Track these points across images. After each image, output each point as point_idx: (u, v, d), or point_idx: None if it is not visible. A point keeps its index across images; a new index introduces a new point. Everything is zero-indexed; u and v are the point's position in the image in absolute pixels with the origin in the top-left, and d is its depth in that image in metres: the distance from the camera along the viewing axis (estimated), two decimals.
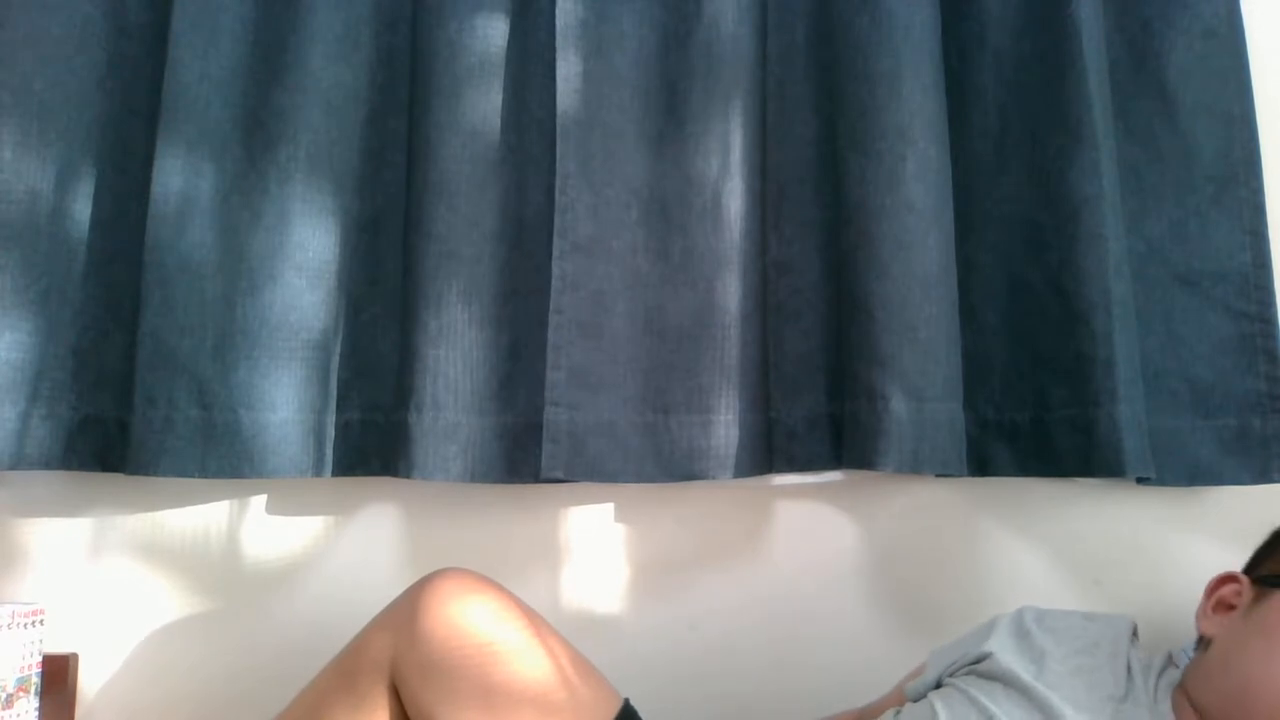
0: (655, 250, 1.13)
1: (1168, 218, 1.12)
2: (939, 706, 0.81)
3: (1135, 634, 0.87)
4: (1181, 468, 1.08)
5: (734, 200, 1.11)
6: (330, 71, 1.12)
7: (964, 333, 1.09)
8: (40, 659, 1.10)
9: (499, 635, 0.82)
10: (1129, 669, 0.82)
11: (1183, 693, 0.82)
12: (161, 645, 1.15)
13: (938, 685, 0.88)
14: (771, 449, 1.12)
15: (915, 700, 0.88)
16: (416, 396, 1.08)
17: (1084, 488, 1.14)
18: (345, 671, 0.88)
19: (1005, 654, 0.83)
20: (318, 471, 1.10)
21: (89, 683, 1.15)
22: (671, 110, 1.14)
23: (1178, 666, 0.87)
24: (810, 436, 1.12)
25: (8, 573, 1.16)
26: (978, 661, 0.85)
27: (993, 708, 0.79)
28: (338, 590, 1.16)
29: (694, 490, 1.16)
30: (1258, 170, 1.10)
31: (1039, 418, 1.07)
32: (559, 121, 1.12)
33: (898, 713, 0.88)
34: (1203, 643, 0.86)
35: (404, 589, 0.89)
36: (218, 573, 1.16)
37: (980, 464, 1.10)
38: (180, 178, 1.09)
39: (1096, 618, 0.87)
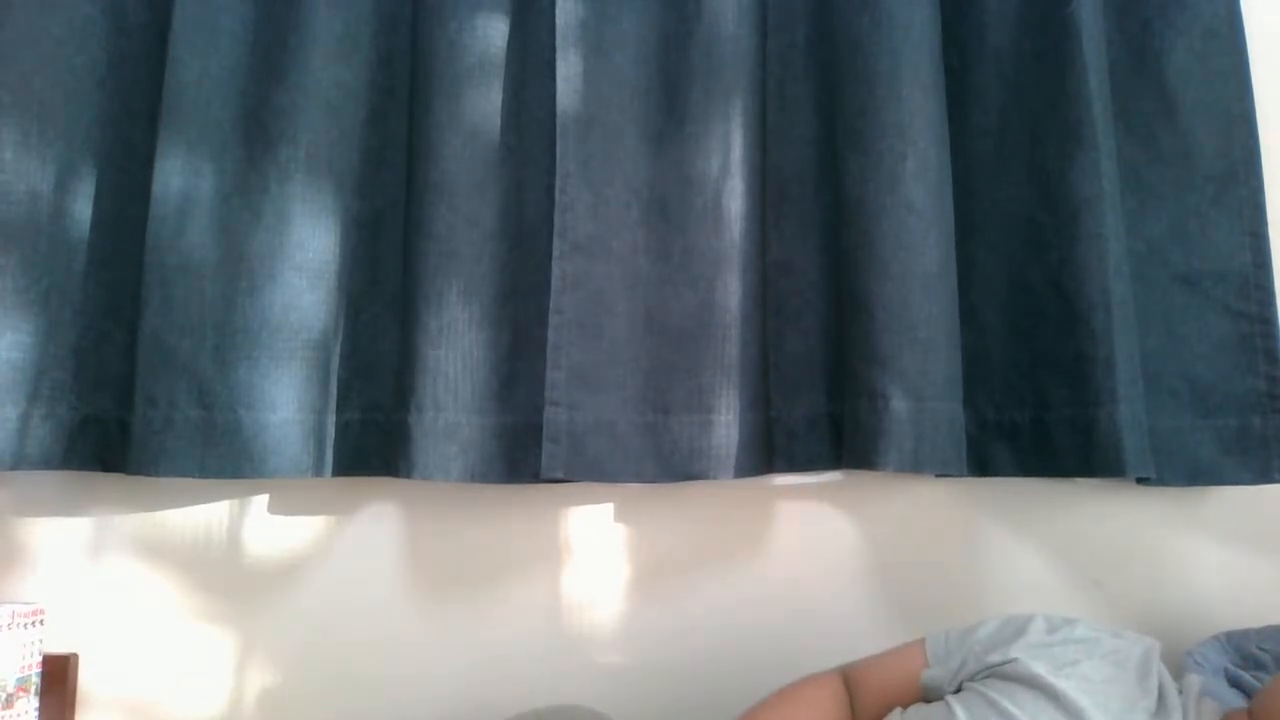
0: (655, 250, 1.13)
1: (1168, 218, 1.12)
2: (958, 709, 0.80)
3: (1160, 657, 0.86)
4: (1181, 467, 1.08)
5: (734, 200, 1.11)
6: (330, 71, 1.12)
7: (964, 332, 1.09)
8: (40, 659, 1.10)
9: None
10: (1160, 687, 0.81)
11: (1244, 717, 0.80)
12: (161, 645, 1.15)
13: (957, 689, 0.86)
14: (771, 449, 1.12)
15: (930, 698, 0.87)
16: (416, 396, 1.08)
17: (1084, 488, 1.14)
18: None
19: (1033, 661, 0.81)
20: (318, 471, 1.10)
21: (89, 683, 1.15)
22: (671, 110, 1.14)
23: (1209, 694, 0.86)
24: (810, 436, 1.12)
25: (8, 573, 1.16)
26: (1001, 665, 0.83)
27: (1015, 709, 0.77)
28: (338, 590, 1.16)
29: (694, 490, 1.16)
30: (1258, 170, 1.10)
31: (1039, 417, 1.07)
32: (559, 121, 1.12)
33: (905, 710, 0.87)
34: None
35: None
36: (218, 572, 1.16)
37: (980, 464, 1.10)
38: (180, 178, 1.09)
39: (1124, 634, 0.85)
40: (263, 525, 1.17)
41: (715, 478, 1.08)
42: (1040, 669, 0.79)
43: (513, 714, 1.00)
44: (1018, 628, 0.86)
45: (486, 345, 1.11)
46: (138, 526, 1.17)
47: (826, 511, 1.17)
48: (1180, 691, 0.82)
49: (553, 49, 1.13)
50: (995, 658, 0.84)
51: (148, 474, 1.05)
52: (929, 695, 0.88)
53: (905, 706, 0.88)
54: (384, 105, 1.17)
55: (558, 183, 1.11)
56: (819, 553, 1.15)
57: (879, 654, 0.94)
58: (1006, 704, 0.78)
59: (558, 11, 1.13)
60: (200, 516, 1.17)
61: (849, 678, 0.94)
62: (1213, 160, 1.11)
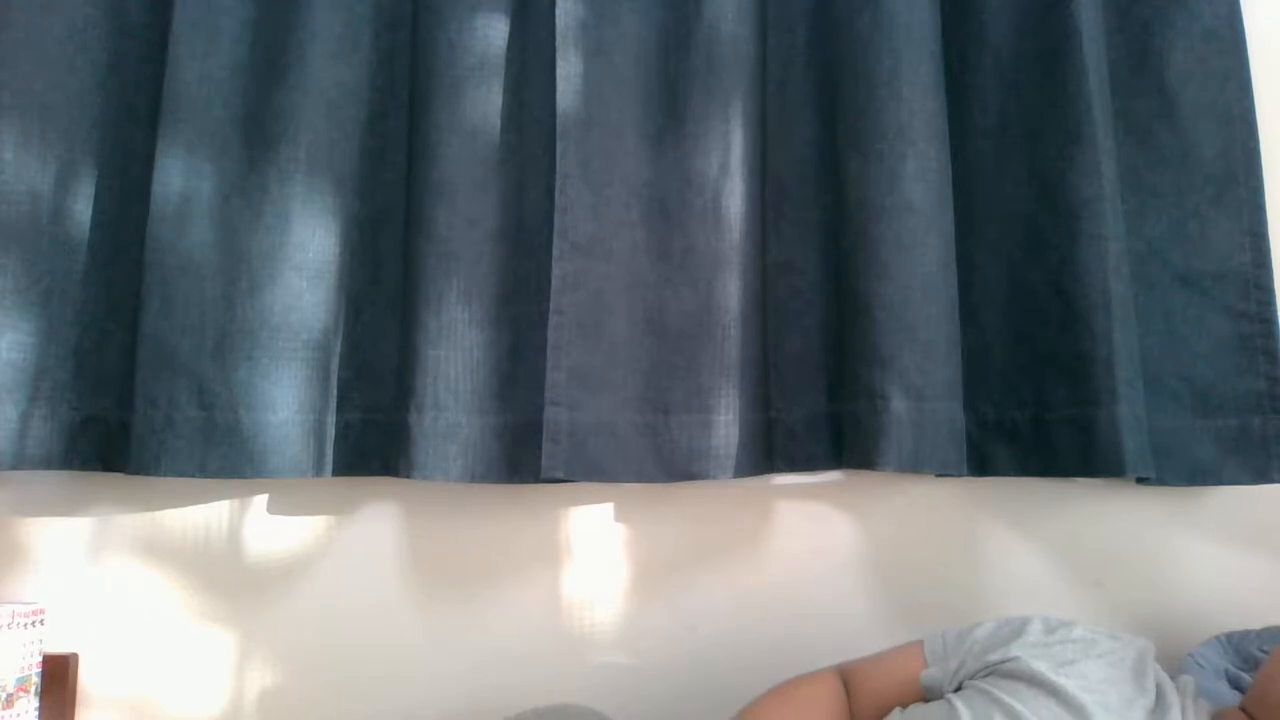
0: (655, 250, 1.12)
1: (1168, 218, 1.12)
2: (960, 706, 0.80)
3: (1154, 658, 0.86)
4: (1181, 468, 1.08)
5: (734, 200, 1.11)
6: (330, 71, 1.12)
7: (964, 332, 1.09)
8: (40, 659, 1.10)
9: None
10: (1158, 686, 0.81)
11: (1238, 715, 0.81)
12: (161, 645, 1.15)
13: (957, 688, 0.87)
14: (771, 449, 1.12)
15: (930, 697, 0.87)
16: (417, 396, 1.08)
17: (1084, 488, 1.14)
18: None
19: (1034, 660, 0.81)
20: (318, 471, 1.10)
21: (89, 683, 1.15)
22: (671, 110, 1.14)
23: (1205, 694, 0.86)
24: (810, 436, 1.12)
25: (8, 573, 1.16)
26: (1001, 663, 0.83)
27: (1018, 706, 0.77)
28: (338, 590, 1.16)
29: (694, 490, 1.16)
30: (1258, 170, 1.10)
31: (1039, 417, 1.07)
32: (559, 121, 1.12)
33: (904, 709, 0.87)
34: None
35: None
36: (218, 572, 1.16)
37: (980, 464, 1.10)
38: (180, 178, 1.09)
39: (1119, 636, 0.86)
40: (263, 525, 1.17)
41: (715, 478, 1.08)
42: (1042, 667, 0.80)
43: (513, 714, 1.00)
44: (1015, 628, 0.86)
45: (486, 345, 1.11)
46: (138, 526, 1.17)
47: (826, 511, 1.17)
48: (1177, 690, 0.82)
49: (553, 49, 1.13)
50: (995, 656, 0.84)
51: (148, 474, 1.05)
52: (928, 695, 0.88)
53: (904, 707, 0.88)
54: (384, 105, 1.17)
55: (558, 183, 1.11)
56: (819, 553, 1.15)
57: (876, 654, 0.95)
58: (1010, 700, 0.78)
59: (558, 11, 1.13)
60: (200, 516, 1.17)
61: (846, 676, 0.94)
62: (1213, 160, 1.11)
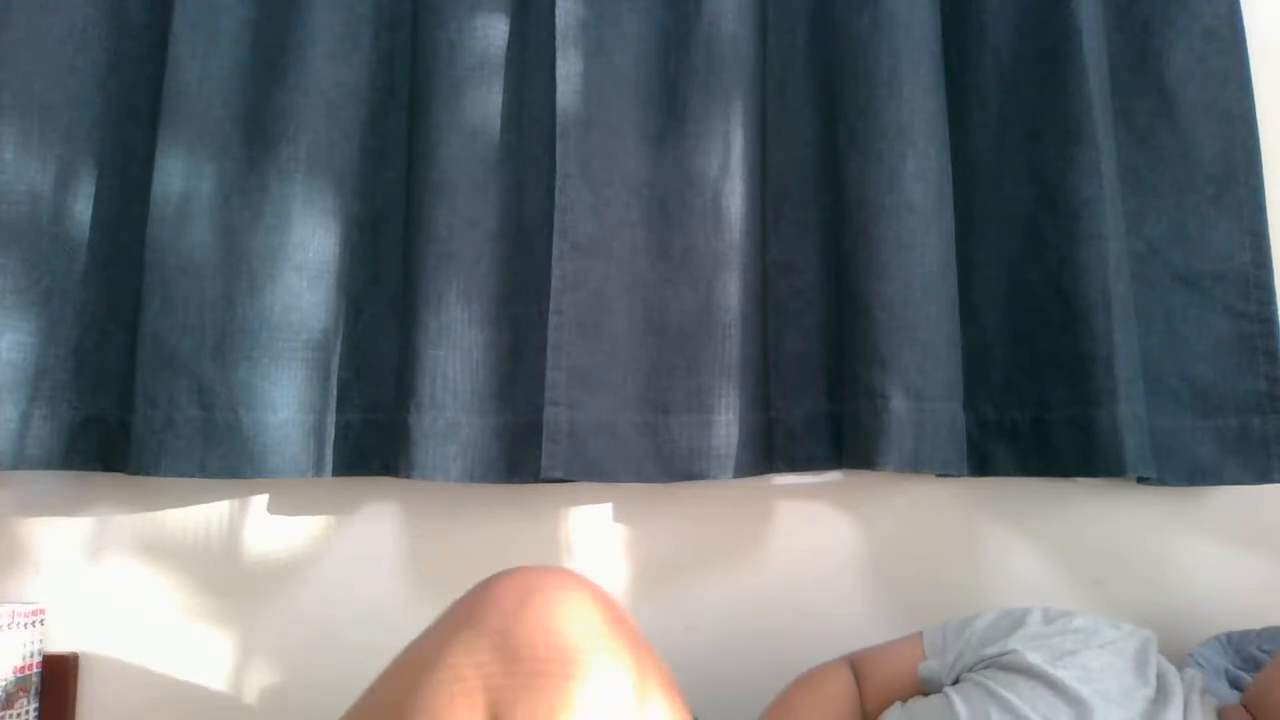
0: (655, 250, 1.13)
1: (1168, 218, 1.12)
2: (957, 701, 0.80)
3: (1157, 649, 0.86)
4: (1182, 467, 1.08)
5: (734, 200, 1.11)
6: (330, 71, 1.13)
7: (964, 333, 1.09)
8: (40, 659, 1.10)
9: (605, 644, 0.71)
10: (1160, 676, 0.81)
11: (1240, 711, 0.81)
12: (161, 645, 1.15)
13: (955, 681, 0.87)
14: (771, 449, 1.12)
15: (929, 689, 0.88)
16: (416, 396, 1.08)
17: (1084, 487, 1.14)
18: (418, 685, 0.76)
19: (1031, 652, 0.81)
20: (318, 471, 1.10)
21: (89, 683, 1.15)
22: (671, 110, 1.14)
23: (1208, 690, 0.86)
24: (810, 436, 1.12)
25: (8, 572, 1.16)
26: (999, 657, 0.83)
27: (1014, 699, 0.77)
28: (338, 590, 1.16)
29: (694, 490, 1.16)
30: (1258, 170, 1.10)
31: (1039, 417, 1.07)
32: (559, 121, 1.12)
33: (905, 703, 0.87)
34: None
35: (471, 587, 0.77)
36: (218, 572, 1.16)
37: (980, 464, 1.10)
38: (180, 178, 1.09)
39: (1121, 626, 0.86)
40: (263, 525, 1.17)
41: (715, 478, 1.08)
42: (1038, 659, 0.80)
43: None
44: (1015, 620, 0.86)
45: (486, 345, 1.11)
46: (138, 526, 1.17)
47: (826, 511, 1.17)
48: (1183, 683, 0.82)
49: (553, 49, 1.13)
50: (993, 650, 0.84)
51: (148, 474, 1.05)
52: (927, 688, 0.89)
53: (905, 700, 0.88)
54: (384, 105, 1.17)
55: (558, 183, 1.11)
56: (819, 552, 1.15)
57: (879, 646, 0.95)
58: (1006, 694, 0.78)
59: (558, 11, 1.13)
60: (200, 516, 1.17)
61: (854, 666, 0.95)
62: (1213, 160, 1.11)
